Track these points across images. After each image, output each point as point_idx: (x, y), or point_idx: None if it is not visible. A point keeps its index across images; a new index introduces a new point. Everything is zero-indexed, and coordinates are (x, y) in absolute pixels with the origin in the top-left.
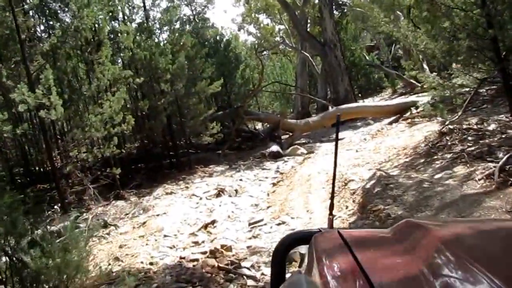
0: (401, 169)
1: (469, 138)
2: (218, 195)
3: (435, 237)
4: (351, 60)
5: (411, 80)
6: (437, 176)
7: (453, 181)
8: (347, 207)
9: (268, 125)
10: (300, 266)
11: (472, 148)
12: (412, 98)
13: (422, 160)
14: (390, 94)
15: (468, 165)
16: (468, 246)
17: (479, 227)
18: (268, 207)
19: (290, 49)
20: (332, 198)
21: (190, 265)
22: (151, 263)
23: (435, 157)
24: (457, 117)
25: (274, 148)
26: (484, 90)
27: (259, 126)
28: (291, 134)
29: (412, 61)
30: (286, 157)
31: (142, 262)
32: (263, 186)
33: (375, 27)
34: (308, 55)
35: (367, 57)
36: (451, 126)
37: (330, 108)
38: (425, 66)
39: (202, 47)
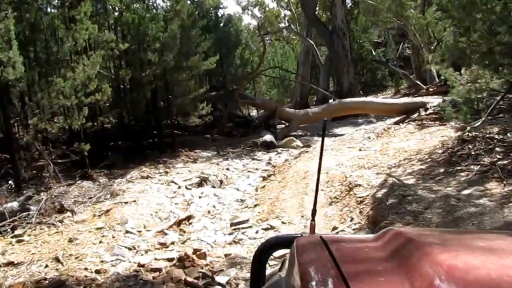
0: (416, 177)
1: (497, 149)
2: (200, 184)
3: (419, 246)
4: (359, 52)
5: (417, 82)
6: (465, 192)
7: (489, 201)
8: (352, 218)
9: (263, 112)
10: (280, 270)
11: (505, 162)
12: (421, 99)
13: (441, 170)
14: (393, 94)
15: (504, 183)
16: (452, 256)
17: (464, 237)
18: (255, 205)
19: (294, 37)
20: (315, 202)
21: (150, 276)
22: (97, 271)
23: (458, 167)
24: (479, 123)
25: (268, 137)
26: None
27: (253, 113)
28: (287, 124)
29: (438, 53)
30: (279, 148)
31: (86, 269)
32: (252, 179)
33: (386, 22)
34: (313, 43)
35: (373, 52)
36: (472, 133)
37: (332, 100)
38: (432, 68)
39: (200, 18)
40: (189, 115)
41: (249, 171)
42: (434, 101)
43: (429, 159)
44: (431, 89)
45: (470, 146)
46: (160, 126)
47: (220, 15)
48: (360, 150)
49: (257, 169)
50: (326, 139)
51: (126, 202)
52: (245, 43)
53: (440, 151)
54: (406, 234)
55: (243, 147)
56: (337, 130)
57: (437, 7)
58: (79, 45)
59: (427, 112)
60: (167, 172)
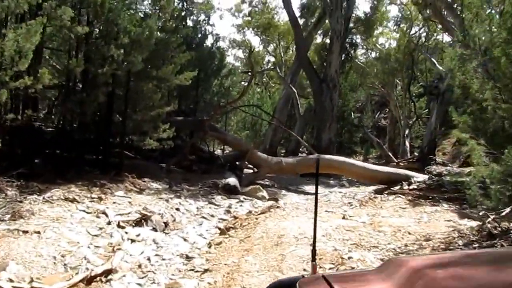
0: None
1: None
2: (138, 223)
3: (421, 275)
4: (342, 110)
5: (390, 153)
6: None
7: None
8: None
9: (231, 152)
10: None
11: None
12: (405, 171)
13: None
14: (361, 160)
15: None
16: (451, 277)
17: (464, 259)
18: (205, 270)
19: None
20: (314, 241)
21: None
22: None
23: None
24: (506, 211)
25: (232, 180)
26: None
27: (218, 151)
28: (256, 170)
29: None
30: (243, 196)
31: None
32: (205, 228)
33: (370, 88)
34: (295, 91)
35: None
36: (501, 225)
37: (307, 154)
38: (407, 143)
39: (186, 27)
40: (147, 136)
41: (203, 217)
42: (418, 176)
43: (447, 250)
44: (402, 164)
45: (502, 241)
46: (109, 141)
47: (209, 31)
48: (344, 218)
49: (213, 216)
50: (294, 195)
51: (26, 232)
52: (228, 71)
53: (460, 242)
54: (406, 261)
55: (201, 187)
56: (307, 188)
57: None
58: (20, 7)
59: (411, 187)
60: (101, 199)
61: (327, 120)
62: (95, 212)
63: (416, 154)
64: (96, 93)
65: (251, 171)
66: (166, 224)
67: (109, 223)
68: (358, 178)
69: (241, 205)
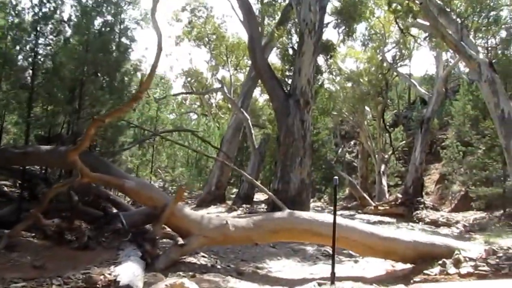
0: None
1: None
2: None
3: None
4: (314, 139)
5: (365, 196)
6: None
7: None
8: None
9: (144, 208)
10: None
11: None
12: (443, 240)
13: None
14: (327, 203)
15: None
16: None
17: None
18: None
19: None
20: (333, 265)
21: None
22: None
23: None
24: None
25: (125, 274)
26: None
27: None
28: (181, 242)
29: None
30: None
31: None
32: None
33: (338, 116)
34: (247, 117)
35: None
36: None
37: (275, 206)
38: (384, 181)
39: None
40: None
41: None
42: (465, 246)
43: None
44: (381, 208)
45: None
46: None
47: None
48: None
49: None
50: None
51: None
52: (135, 65)
53: None
54: None
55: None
56: (273, 265)
57: None
58: None
59: (463, 270)
60: None
61: (299, 152)
62: None
63: (398, 195)
64: None
65: (174, 243)
66: None
67: None
68: (364, 254)
69: None
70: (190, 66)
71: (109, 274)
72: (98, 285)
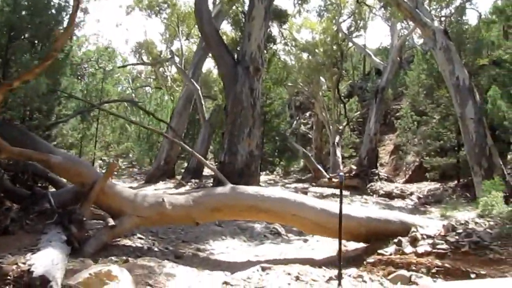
0: None
1: None
2: None
3: None
4: (264, 111)
5: (320, 167)
6: None
7: None
8: None
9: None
10: None
11: None
12: (398, 215)
13: None
14: (281, 176)
15: None
16: None
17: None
18: None
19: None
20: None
21: None
22: None
23: None
24: None
25: (42, 264)
26: None
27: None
28: (111, 223)
29: None
30: None
31: None
32: None
33: (293, 86)
34: (198, 87)
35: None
36: None
37: (220, 181)
38: (338, 153)
39: None
40: None
41: None
42: (423, 222)
43: None
44: (335, 180)
45: None
46: None
47: None
48: None
49: None
50: (193, 273)
51: None
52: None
53: None
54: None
55: None
56: (216, 246)
57: None
58: None
59: (420, 249)
60: None
61: (247, 122)
62: None
63: (352, 167)
64: None
65: (107, 224)
66: None
67: None
68: (313, 232)
69: None
70: (144, 38)
71: (24, 263)
72: (9, 277)
